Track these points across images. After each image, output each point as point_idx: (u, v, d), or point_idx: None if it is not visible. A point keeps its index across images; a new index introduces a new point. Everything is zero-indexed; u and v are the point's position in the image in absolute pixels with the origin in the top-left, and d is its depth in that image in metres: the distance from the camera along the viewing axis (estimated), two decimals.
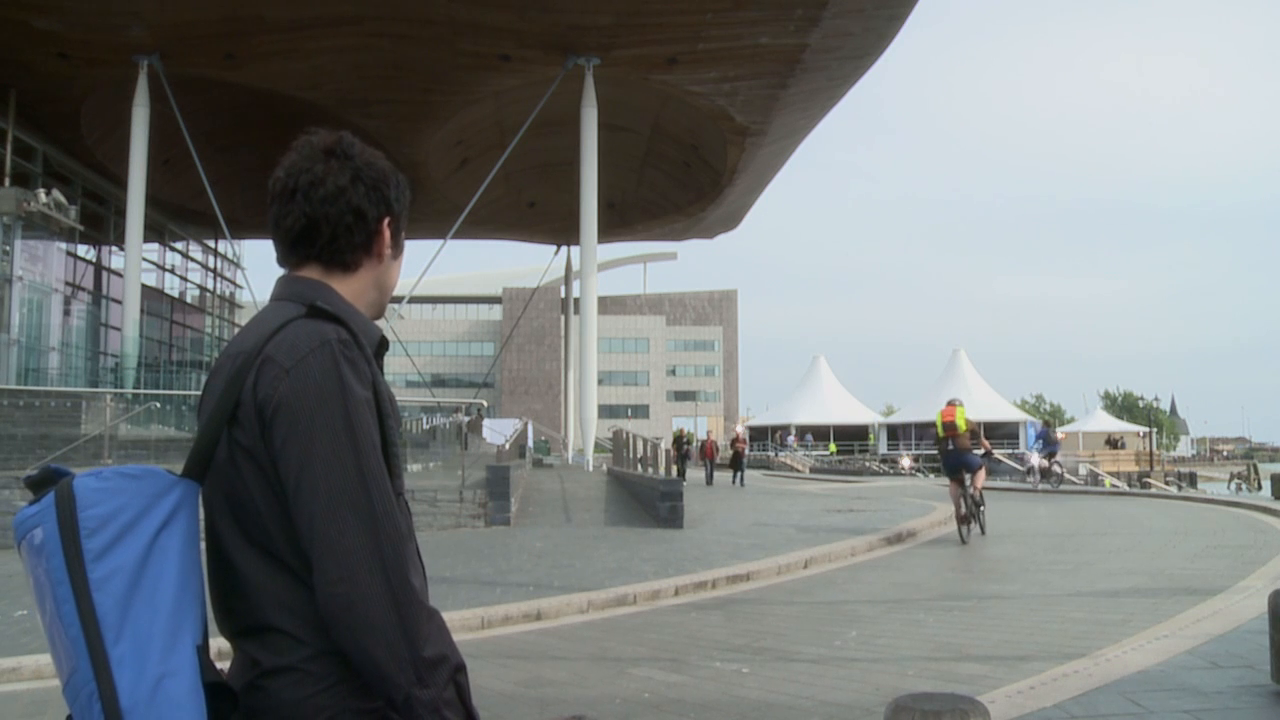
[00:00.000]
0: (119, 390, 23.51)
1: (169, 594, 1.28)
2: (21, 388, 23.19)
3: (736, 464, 30.82)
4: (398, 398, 1.75)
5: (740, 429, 42.37)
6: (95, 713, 1.22)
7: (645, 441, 19.78)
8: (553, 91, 24.48)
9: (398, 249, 1.58)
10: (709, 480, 29.74)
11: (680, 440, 31.08)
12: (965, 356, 65.48)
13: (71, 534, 1.25)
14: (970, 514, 13.68)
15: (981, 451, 15.01)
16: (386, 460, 1.39)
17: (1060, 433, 67.75)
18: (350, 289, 1.52)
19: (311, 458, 1.31)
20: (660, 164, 33.15)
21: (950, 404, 14.05)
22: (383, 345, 1.53)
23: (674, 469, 20.54)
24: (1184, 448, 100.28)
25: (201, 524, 1.39)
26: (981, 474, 13.77)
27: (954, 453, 13.77)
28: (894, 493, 26.99)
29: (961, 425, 13.61)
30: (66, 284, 29.96)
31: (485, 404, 37.46)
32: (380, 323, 1.62)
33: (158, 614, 1.26)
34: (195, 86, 24.65)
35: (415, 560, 1.45)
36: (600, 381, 33.09)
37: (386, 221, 1.53)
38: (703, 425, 68.05)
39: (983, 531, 14.17)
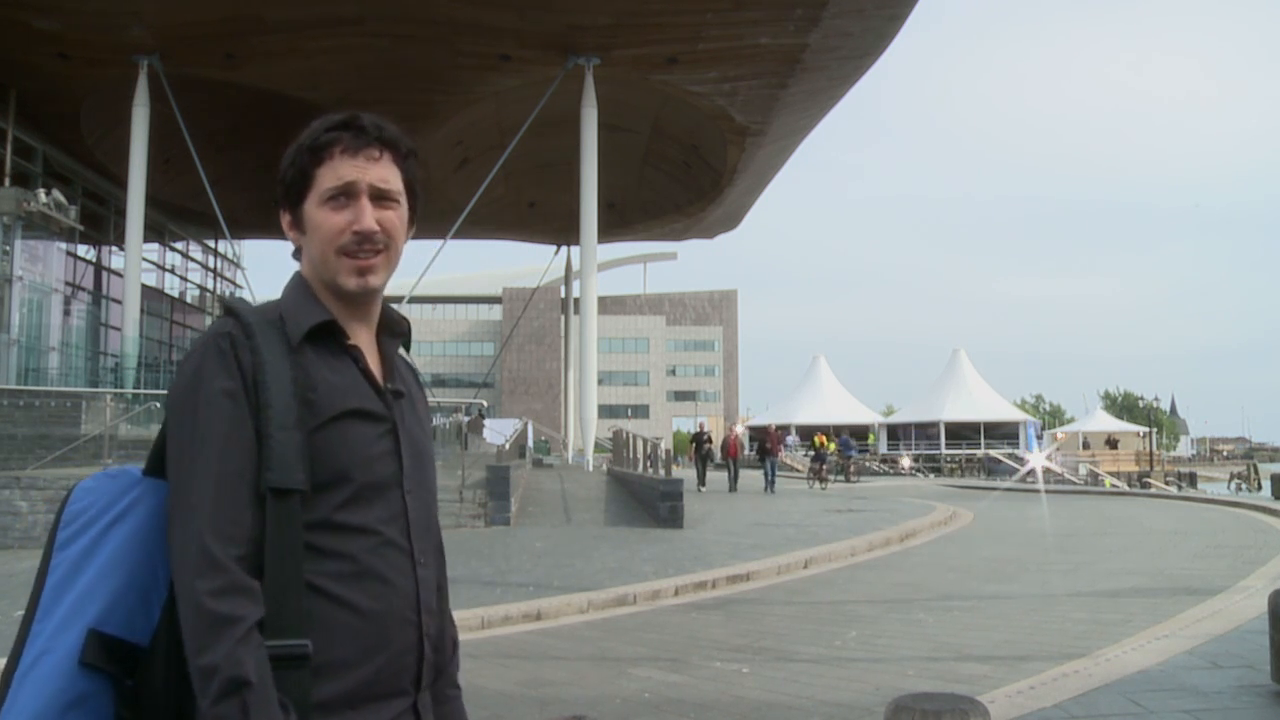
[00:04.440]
0: (119, 390, 23.49)
1: (88, 580, 1.32)
2: (21, 388, 23.17)
3: (765, 465, 26.03)
4: None
5: (740, 428, 40.55)
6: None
7: (645, 441, 19.77)
8: (553, 91, 24.46)
9: (300, 227, 1.48)
10: (732, 484, 25.04)
11: (700, 438, 26.28)
12: (965, 356, 65.45)
13: (54, 526, 1.36)
14: (821, 478, 28.29)
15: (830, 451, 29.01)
16: (264, 451, 1.32)
17: (1060, 433, 67.99)
18: (305, 274, 1.51)
19: (169, 452, 1.36)
20: (660, 164, 33.12)
21: (823, 436, 30.84)
22: (325, 329, 1.44)
23: (677, 470, 20.25)
24: (1184, 448, 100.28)
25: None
26: (828, 463, 29.68)
27: (823, 455, 29.15)
28: (894, 493, 26.98)
29: (832, 446, 30.79)
30: (66, 284, 29.93)
31: (486, 404, 37.35)
32: None
33: (71, 596, 1.31)
34: (195, 86, 24.63)
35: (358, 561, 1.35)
36: (600, 381, 32.87)
37: (281, 208, 1.51)
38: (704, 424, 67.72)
39: (825, 489, 26.64)
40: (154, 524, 1.37)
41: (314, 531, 1.34)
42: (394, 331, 1.56)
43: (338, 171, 1.44)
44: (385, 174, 1.47)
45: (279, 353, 1.38)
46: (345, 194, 1.44)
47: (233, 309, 1.42)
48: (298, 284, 1.50)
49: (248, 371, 1.35)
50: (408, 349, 1.61)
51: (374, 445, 1.42)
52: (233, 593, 1.25)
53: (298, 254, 1.52)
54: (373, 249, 1.45)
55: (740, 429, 40.22)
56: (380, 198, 1.46)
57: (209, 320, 40.46)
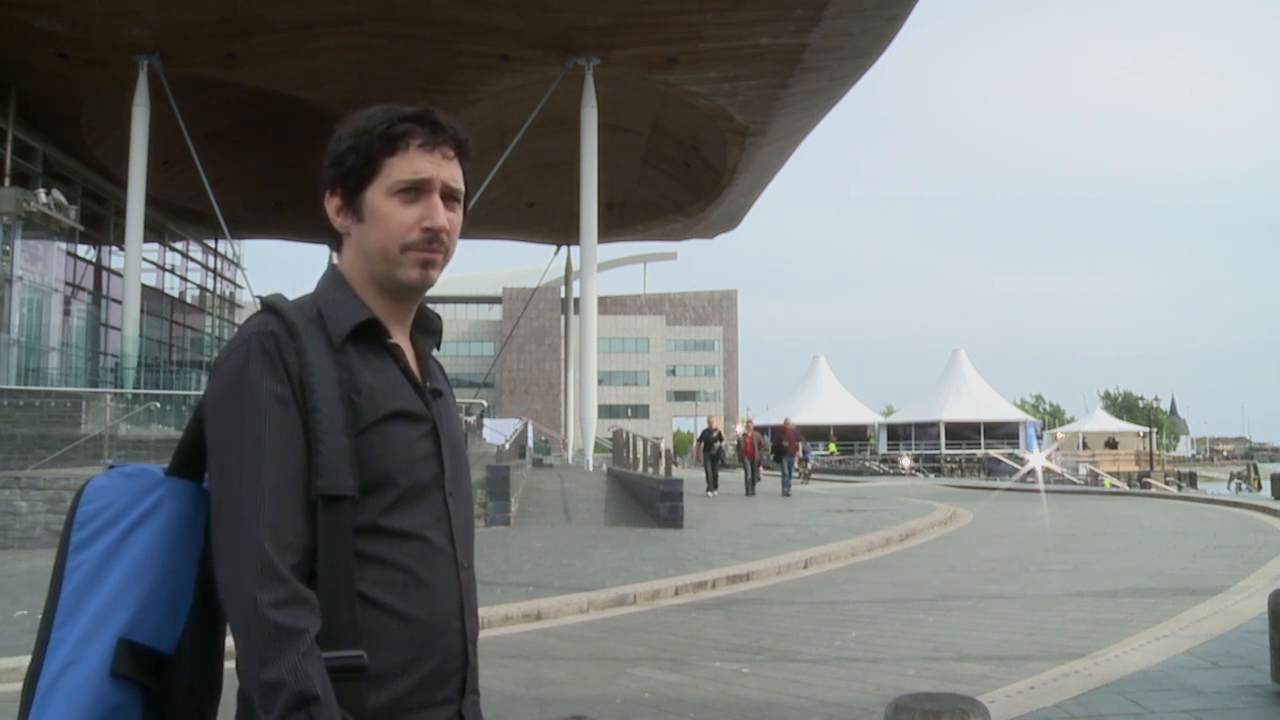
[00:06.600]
0: (119, 390, 23.47)
1: (113, 585, 1.29)
2: (21, 388, 23.17)
3: (781, 464, 24.51)
4: None
5: (742, 428, 40.01)
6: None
7: (645, 441, 19.77)
8: (553, 91, 24.47)
9: (356, 214, 1.43)
10: (750, 488, 23.13)
11: (710, 436, 23.49)
12: (965, 356, 65.45)
13: (68, 526, 1.33)
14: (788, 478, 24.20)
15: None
16: (314, 457, 1.29)
17: (1060, 433, 67.98)
18: (344, 267, 1.47)
19: (213, 457, 1.31)
20: (660, 164, 33.12)
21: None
22: (366, 327, 1.41)
23: (677, 470, 20.03)
24: (1184, 448, 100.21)
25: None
26: (795, 463, 26.89)
27: (785, 451, 24.82)
28: (894, 493, 27.00)
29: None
30: (66, 284, 29.92)
31: (485, 404, 37.36)
32: None
33: (95, 603, 1.28)
34: (195, 86, 24.62)
35: (396, 564, 1.33)
36: (600, 381, 32.84)
37: (331, 192, 1.46)
38: (703, 424, 67.70)
39: (787, 493, 23.25)
40: (180, 526, 1.35)
41: (359, 537, 1.31)
42: (428, 329, 1.53)
43: (414, 165, 1.41)
44: (455, 174, 1.46)
45: (323, 353, 1.35)
46: (418, 189, 1.41)
47: (274, 306, 1.39)
48: (335, 279, 1.46)
49: (294, 374, 1.32)
50: (438, 347, 1.59)
51: (416, 447, 1.40)
52: (295, 604, 1.23)
53: (337, 244, 1.48)
54: (440, 247, 1.43)
55: (743, 428, 39.43)
56: (449, 197, 1.44)
57: (209, 320, 40.46)
